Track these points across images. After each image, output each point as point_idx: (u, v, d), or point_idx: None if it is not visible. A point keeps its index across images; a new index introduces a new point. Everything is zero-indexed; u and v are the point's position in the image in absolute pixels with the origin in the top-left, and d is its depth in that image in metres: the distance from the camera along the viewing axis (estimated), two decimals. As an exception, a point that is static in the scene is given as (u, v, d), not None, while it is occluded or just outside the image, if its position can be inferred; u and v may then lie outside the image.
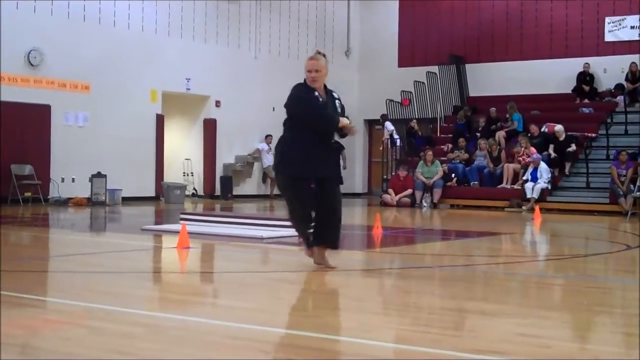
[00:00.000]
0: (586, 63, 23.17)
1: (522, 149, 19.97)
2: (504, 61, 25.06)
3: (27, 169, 18.11)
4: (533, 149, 19.76)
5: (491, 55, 25.33)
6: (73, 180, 19.12)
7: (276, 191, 24.05)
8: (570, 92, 23.32)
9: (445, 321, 5.12)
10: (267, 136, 23.46)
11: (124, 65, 20.27)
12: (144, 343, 4.26)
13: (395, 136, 23.56)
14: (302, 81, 7.17)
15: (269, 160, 23.59)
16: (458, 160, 21.44)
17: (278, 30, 24.97)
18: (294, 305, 5.64)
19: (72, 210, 16.87)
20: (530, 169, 19.28)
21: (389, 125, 23.65)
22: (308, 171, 7.00)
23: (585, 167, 19.54)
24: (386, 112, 24.23)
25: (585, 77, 23.17)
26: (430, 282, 7.12)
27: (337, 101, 7.21)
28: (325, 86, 7.21)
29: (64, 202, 18.24)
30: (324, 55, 7.23)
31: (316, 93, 7.07)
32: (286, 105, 7.19)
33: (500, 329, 4.84)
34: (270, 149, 23.63)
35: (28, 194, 17.98)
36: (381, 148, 24.27)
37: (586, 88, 23.07)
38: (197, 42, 22.39)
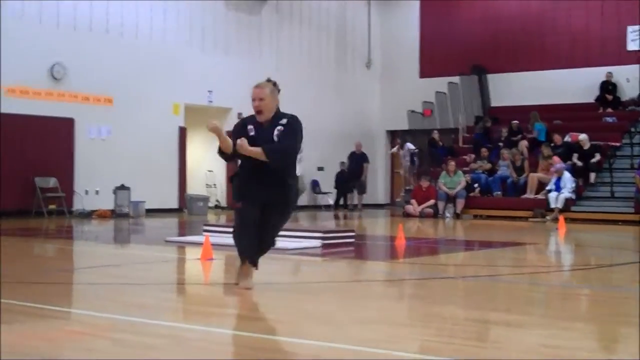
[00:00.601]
0: (609, 72, 23.05)
1: (545, 160, 19.87)
2: (526, 71, 24.96)
3: (52, 182, 18.23)
4: (556, 158, 19.66)
5: (513, 65, 25.23)
6: (97, 192, 19.24)
7: (301, 202, 24.20)
8: (592, 101, 23.21)
9: (469, 332, 5.09)
10: None
11: (146, 78, 20.38)
12: (167, 355, 4.27)
13: (415, 156, 23.65)
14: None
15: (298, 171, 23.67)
16: (481, 170, 21.35)
17: (299, 41, 25.03)
18: (318, 316, 5.63)
19: (96, 223, 16.95)
20: (554, 179, 19.17)
21: (410, 146, 23.64)
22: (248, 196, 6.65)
23: (609, 176, 19.40)
24: (406, 134, 24.33)
25: (608, 86, 23.05)
26: (453, 292, 7.09)
27: (278, 127, 6.69)
28: (277, 113, 6.79)
29: (88, 215, 18.33)
30: (274, 83, 6.80)
31: (249, 127, 6.70)
32: None
33: (524, 340, 4.80)
34: (301, 159, 23.71)
35: (52, 207, 18.10)
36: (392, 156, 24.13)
37: (609, 97, 22.94)
38: (218, 54, 22.49)
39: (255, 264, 6.80)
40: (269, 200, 6.62)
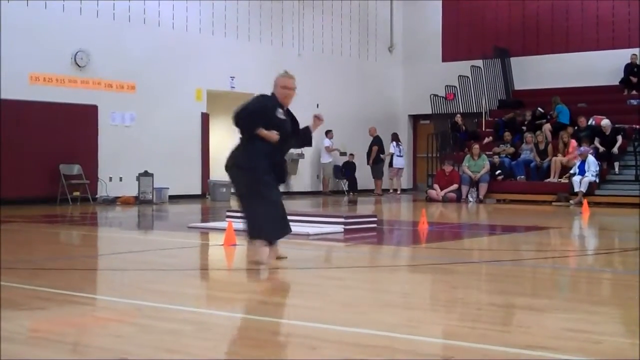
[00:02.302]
0: (633, 54, 22.83)
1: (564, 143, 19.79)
2: (550, 53, 24.78)
3: (76, 169, 18.35)
4: (573, 142, 19.56)
5: (536, 47, 25.06)
6: (120, 179, 19.34)
7: (331, 187, 24.33)
8: (617, 84, 23.00)
9: (493, 316, 5.08)
10: (327, 131, 23.55)
11: (168, 64, 20.44)
12: (192, 340, 4.30)
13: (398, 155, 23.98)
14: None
15: (326, 158, 23.82)
16: (504, 154, 21.26)
17: (321, 27, 24.98)
18: (341, 301, 5.64)
19: (120, 209, 17.05)
20: (577, 162, 19.06)
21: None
22: None
23: (633, 159, 19.25)
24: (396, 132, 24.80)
25: (633, 69, 22.83)
26: (477, 277, 7.08)
27: (290, 115, 7.66)
28: None
29: (112, 201, 18.45)
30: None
31: (279, 110, 7.45)
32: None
33: (549, 324, 4.79)
34: (332, 144, 23.88)
35: (77, 193, 18.22)
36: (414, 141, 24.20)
37: (634, 80, 22.73)
38: (240, 40, 22.49)
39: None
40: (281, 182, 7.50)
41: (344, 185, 24.79)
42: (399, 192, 24.06)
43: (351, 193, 24.12)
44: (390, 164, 24.38)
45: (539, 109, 22.38)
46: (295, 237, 7.89)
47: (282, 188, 7.81)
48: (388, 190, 24.25)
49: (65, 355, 3.96)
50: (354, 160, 24.51)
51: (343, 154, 24.74)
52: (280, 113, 7.37)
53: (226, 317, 5.00)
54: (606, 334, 4.50)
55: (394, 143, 24.25)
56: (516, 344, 4.19)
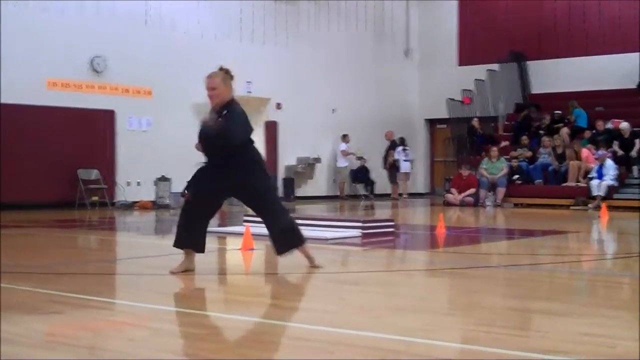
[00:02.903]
0: (651, 57, 22.73)
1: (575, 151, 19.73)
2: (567, 57, 24.68)
3: (94, 174, 18.43)
4: (585, 150, 19.49)
5: (553, 51, 24.97)
6: (138, 184, 19.42)
7: (347, 192, 24.34)
8: (635, 87, 22.87)
9: (510, 321, 5.06)
10: (344, 136, 23.63)
11: (184, 69, 20.48)
12: (207, 344, 4.30)
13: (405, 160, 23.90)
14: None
15: (341, 162, 23.85)
16: (521, 158, 21.18)
17: (336, 30, 24.97)
18: (357, 305, 5.63)
19: (138, 214, 17.11)
20: (596, 166, 18.96)
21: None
22: None
23: (653, 163, 19.15)
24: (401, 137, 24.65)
25: (650, 72, 22.72)
26: (494, 281, 7.05)
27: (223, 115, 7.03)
28: (229, 101, 7.18)
29: (129, 206, 18.51)
30: (227, 72, 7.29)
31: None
32: None
33: (566, 329, 4.76)
34: (348, 148, 23.92)
35: (95, 198, 18.30)
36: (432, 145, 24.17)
37: (651, 83, 22.62)
38: (256, 44, 22.51)
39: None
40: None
41: (361, 189, 24.79)
42: (404, 196, 23.93)
43: (368, 196, 24.13)
44: (397, 169, 24.28)
45: (557, 112, 22.28)
46: (312, 242, 7.88)
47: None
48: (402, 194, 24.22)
49: (83, 357, 3.96)
50: (365, 165, 24.53)
51: (359, 158, 24.75)
52: (209, 117, 7.13)
53: (241, 321, 4.99)
54: (622, 339, 4.47)
55: (400, 148, 24.18)
56: (532, 349, 4.17)
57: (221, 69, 7.19)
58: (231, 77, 7.24)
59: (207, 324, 4.90)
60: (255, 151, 7.17)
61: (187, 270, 6.99)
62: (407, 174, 24.35)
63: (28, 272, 7.04)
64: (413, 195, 25.81)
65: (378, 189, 24.83)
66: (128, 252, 10.00)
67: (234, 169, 6.96)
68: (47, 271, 7.24)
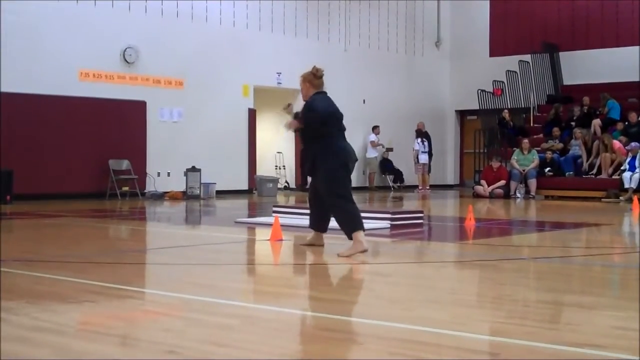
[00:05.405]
0: (685, 48, 22.45)
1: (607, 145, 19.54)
2: (599, 48, 24.45)
3: (125, 164, 18.56)
4: (616, 143, 19.29)
5: (586, 42, 24.75)
6: (168, 174, 19.53)
7: (377, 183, 24.34)
8: (668, 78, 22.64)
9: (541, 314, 5.04)
10: (375, 127, 23.66)
11: (216, 60, 20.57)
12: (240, 334, 4.33)
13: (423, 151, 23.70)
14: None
15: (371, 153, 23.85)
16: (553, 150, 21.03)
17: (368, 22, 24.92)
18: (387, 297, 5.64)
19: (168, 204, 17.21)
20: (628, 158, 18.79)
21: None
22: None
23: (686, 155, 18.92)
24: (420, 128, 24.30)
25: (684, 63, 22.45)
26: (524, 274, 7.03)
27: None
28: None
29: (160, 196, 18.63)
30: (307, 73, 8.73)
31: None
32: None
33: (598, 322, 4.74)
34: (379, 140, 23.92)
35: (126, 189, 18.43)
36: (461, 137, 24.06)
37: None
38: (287, 36, 22.53)
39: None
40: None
41: (390, 180, 24.78)
42: (422, 188, 23.70)
43: (396, 187, 24.16)
44: (417, 160, 24.11)
45: (586, 97, 22.05)
46: (340, 233, 7.89)
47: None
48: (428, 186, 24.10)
49: (114, 348, 4.01)
50: (388, 157, 24.55)
51: (389, 149, 24.71)
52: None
53: (273, 312, 5.02)
54: (656, 333, 4.44)
55: (419, 139, 24.01)
56: (564, 342, 4.15)
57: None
58: (314, 76, 8.79)
59: (240, 314, 4.93)
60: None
61: (312, 244, 8.19)
62: (424, 165, 24.04)
63: (62, 262, 7.12)
64: (442, 187, 25.73)
65: (407, 181, 24.79)
66: (159, 242, 10.07)
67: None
68: (81, 260, 7.31)
